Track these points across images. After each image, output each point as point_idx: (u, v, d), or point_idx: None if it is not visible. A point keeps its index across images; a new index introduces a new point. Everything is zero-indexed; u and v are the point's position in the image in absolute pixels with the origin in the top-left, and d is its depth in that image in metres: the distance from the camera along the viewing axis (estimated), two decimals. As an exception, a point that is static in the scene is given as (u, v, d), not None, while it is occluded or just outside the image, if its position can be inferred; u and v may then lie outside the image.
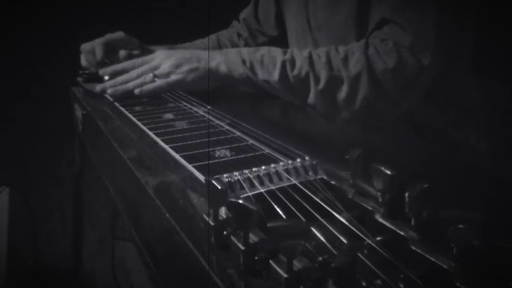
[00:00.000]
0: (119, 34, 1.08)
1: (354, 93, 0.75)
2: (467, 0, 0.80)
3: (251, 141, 0.62)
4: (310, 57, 0.78)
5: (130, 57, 1.07)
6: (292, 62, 0.79)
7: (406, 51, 0.74)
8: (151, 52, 1.06)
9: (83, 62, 1.11)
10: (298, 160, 0.51)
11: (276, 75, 0.79)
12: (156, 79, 0.88)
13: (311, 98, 0.78)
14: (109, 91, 0.90)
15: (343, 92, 0.76)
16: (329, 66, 0.76)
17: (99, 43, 1.06)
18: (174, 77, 0.86)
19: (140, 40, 1.11)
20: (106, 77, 0.96)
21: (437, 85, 0.80)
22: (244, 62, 0.82)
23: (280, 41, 1.10)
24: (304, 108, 0.82)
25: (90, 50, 1.07)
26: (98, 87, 0.93)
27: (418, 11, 0.75)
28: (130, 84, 0.89)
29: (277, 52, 0.81)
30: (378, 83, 0.74)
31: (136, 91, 0.88)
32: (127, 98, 0.88)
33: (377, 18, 0.78)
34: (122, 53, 1.06)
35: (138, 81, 0.89)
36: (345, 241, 0.37)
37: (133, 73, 0.90)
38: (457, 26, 0.80)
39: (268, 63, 0.80)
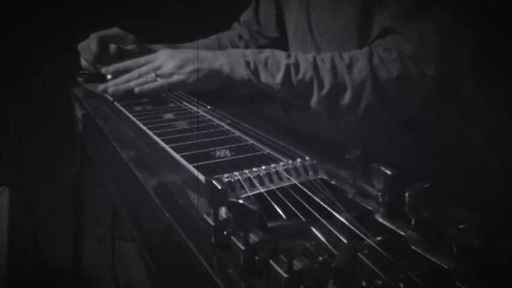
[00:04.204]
0: (114, 30, 1.08)
1: (357, 100, 0.76)
2: (469, 7, 0.80)
3: (251, 141, 0.62)
4: (315, 62, 0.78)
5: (120, 51, 1.06)
6: (297, 66, 0.79)
7: (409, 61, 0.74)
8: (150, 50, 1.06)
9: (83, 62, 1.11)
10: (299, 160, 0.51)
11: (279, 79, 0.79)
12: (158, 79, 0.88)
13: (313, 102, 0.78)
14: (110, 90, 0.89)
15: (346, 99, 0.76)
16: (333, 72, 0.76)
17: (93, 37, 1.06)
18: (176, 78, 0.86)
19: (138, 38, 1.10)
20: (108, 76, 0.95)
21: (436, 86, 0.80)
22: (248, 63, 0.82)
23: (281, 43, 1.10)
24: (305, 109, 0.82)
25: (86, 46, 1.07)
26: (100, 87, 0.92)
27: (421, 21, 0.75)
28: (132, 84, 0.88)
29: (281, 55, 0.81)
30: (381, 91, 0.75)
31: (137, 90, 0.87)
32: (128, 97, 0.88)
33: (380, 27, 0.78)
34: (112, 47, 1.06)
35: (140, 80, 0.88)
36: (345, 241, 0.37)
37: (135, 73, 0.90)
38: (460, 34, 0.80)
39: (272, 66, 0.80)
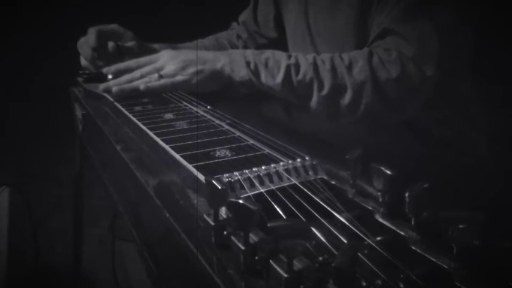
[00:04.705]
0: (112, 26, 1.08)
1: (357, 100, 0.76)
2: (469, 7, 0.80)
3: (251, 141, 0.62)
4: (315, 62, 0.78)
5: (119, 49, 1.06)
6: (297, 66, 0.79)
7: (409, 61, 0.74)
8: (149, 49, 1.06)
9: (83, 62, 1.11)
10: (299, 160, 0.51)
11: (279, 79, 0.79)
12: (161, 79, 0.87)
13: (314, 102, 0.79)
14: (114, 89, 0.88)
15: (346, 99, 0.76)
16: (333, 73, 0.76)
17: (91, 30, 1.05)
18: (179, 78, 0.86)
19: (138, 37, 1.10)
20: (109, 76, 0.95)
21: (436, 86, 0.80)
22: (248, 64, 0.82)
23: (280, 43, 1.10)
24: (305, 109, 0.82)
25: (84, 41, 1.06)
26: (101, 87, 0.91)
27: (420, 21, 0.75)
28: (136, 83, 0.88)
29: (281, 56, 0.81)
30: (381, 92, 0.75)
31: (142, 86, 0.86)
32: (131, 97, 0.87)
33: (379, 28, 0.78)
34: (111, 44, 1.05)
35: (143, 80, 0.88)
36: (345, 241, 0.37)
37: (137, 73, 0.89)
38: (460, 34, 0.80)
39: (272, 67, 0.80)
